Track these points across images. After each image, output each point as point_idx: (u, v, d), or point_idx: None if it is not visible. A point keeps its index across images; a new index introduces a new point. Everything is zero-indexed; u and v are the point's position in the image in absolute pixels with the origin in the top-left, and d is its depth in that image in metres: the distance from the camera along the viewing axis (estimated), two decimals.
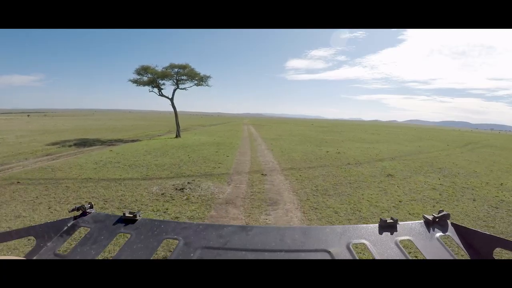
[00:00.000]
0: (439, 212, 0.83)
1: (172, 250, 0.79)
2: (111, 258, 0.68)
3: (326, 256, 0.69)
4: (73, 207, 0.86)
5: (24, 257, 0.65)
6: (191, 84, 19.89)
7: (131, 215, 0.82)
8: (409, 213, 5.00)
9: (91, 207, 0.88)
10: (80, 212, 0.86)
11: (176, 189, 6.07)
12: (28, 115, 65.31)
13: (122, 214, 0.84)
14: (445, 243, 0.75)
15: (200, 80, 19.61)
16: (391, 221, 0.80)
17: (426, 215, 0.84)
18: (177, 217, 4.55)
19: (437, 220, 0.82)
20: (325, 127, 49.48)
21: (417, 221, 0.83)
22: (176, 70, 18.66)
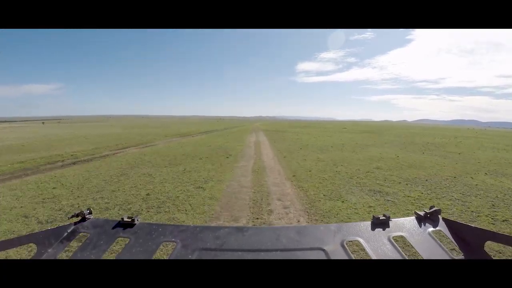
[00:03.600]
0: (430, 207, 0.84)
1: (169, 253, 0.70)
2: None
3: (321, 254, 0.68)
4: (73, 213, 0.86)
5: None
6: None
7: (129, 220, 0.82)
8: None
9: (90, 213, 0.88)
10: (80, 218, 0.86)
11: None
12: (43, 123, 57.74)
13: (120, 219, 0.83)
14: (437, 238, 0.74)
15: None
16: (384, 217, 0.80)
17: (417, 211, 0.84)
18: None
19: (428, 215, 0.82)
20: (376, 132, 31.17)
21: (409, 217, 0.83)
22: None
